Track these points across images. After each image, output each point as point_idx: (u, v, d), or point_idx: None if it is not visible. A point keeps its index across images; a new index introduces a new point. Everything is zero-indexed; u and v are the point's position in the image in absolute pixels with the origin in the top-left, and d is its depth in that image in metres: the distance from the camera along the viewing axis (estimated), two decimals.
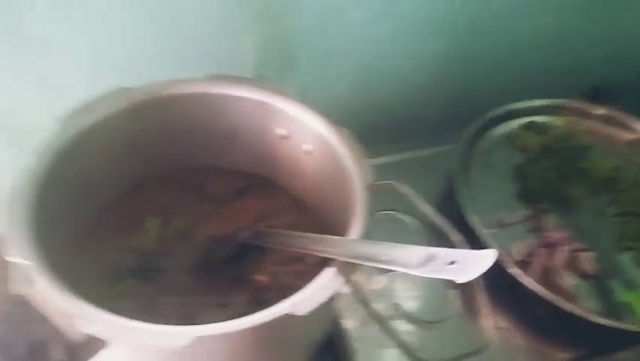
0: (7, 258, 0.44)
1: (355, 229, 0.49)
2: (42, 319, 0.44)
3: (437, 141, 0.87)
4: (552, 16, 0.89)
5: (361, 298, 0.67)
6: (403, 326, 0.65)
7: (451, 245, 0.71)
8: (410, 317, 0.66)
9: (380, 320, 0.65)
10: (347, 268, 0.46)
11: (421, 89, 0.91)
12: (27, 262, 0.44)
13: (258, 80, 0.60)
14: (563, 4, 0.88)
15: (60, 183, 0.51)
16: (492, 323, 0.66)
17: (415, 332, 0.65)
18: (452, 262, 0.39)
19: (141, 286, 0.56)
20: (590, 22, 0.92)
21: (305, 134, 0.59)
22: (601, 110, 0.89)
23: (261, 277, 0.58)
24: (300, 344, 0.53)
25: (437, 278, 0.59)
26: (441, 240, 0.71)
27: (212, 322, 0.44)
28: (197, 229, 0.61)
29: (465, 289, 0.69)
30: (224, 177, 0.65)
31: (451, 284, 0.70)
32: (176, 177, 0.63)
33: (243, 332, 0.42)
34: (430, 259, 0.41)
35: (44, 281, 0.43)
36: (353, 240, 0.48)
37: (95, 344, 0.44)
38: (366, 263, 0.45)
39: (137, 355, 0.45)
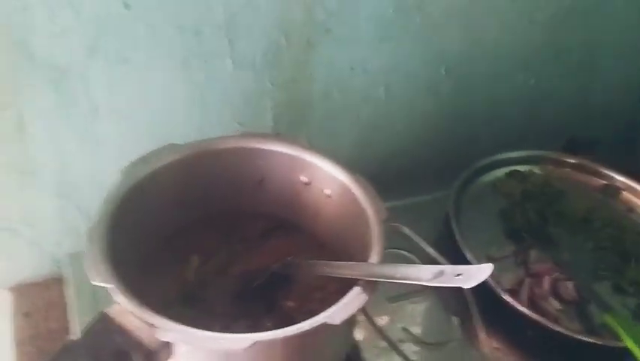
0: (93, 282, 0.53)
1: (374, 255, 0.59)
2: (122, 332, 0.52)
3: (431, 188, 0.98)
4: (532, 78, 1.02)
5: (374, 325, 0.76)
6: (411, 348, 0.75)
7: None
8: (417, 340, 0.75)
9: (391, 343, 0.74)
10: (370, 286, 0.56)
11: (414, 143, 1.03)
12: (108, 284, 0.53)
13: (284, 136, 0.72)
14: (542, 68, 1.02)
15: (124, 220, 0.61)
16: (487, 344, 0.76)
17: (422, 353, 0.74)
18: (458, 275, 0.49)
19: (187, 312, 0.65)
20: (566, 83, 1.06)
21: (325, 180, 0.70)
22: (574, 160, 1.01)
23: (290, 303, 0.67)
24: (328, 353, 0.62)
25: (439, 306, 0.69)
26: None
27: None
28: (231, 265, 0.71)
29: (463, 315, 0.79)
30: (254, 221, 0.74)
31: (451, 311, 0.79)
32: (214, 220, 0.73)
33: (289, 338, 0.51)
34: (439, 274, 0.51)
35: (125, 300, 0.52)
36: (374, 263, 0.58)
37: (165, 352, 0.53)
38: (386, 280, 0.55)
39: (198, 358, 0.54)
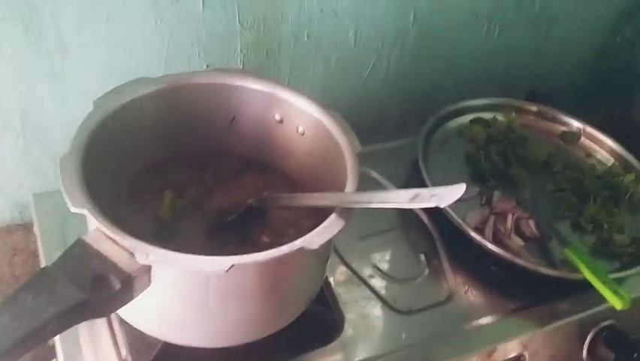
0: (71, 208, 0.53)
1: (350, 185, 0.60)
2: (99, 257, 0.52)
3: (396, 135, 1.00)
4: (496, 28, 1.04)
5: (345, 262, 0.78)
6: (380, 283, 0.77)
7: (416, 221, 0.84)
8: (386, 276, 0.77)
9: (361, 279, 0.76)
10: (346, 213, 0.56)
11: (380, 89, 1.04)
12: (86, 210, 0.53)
13: (257, 73, 0.72)
14: (504, 17, 1.04)
15: (97, 152, 0.60)
16: (453, 279, 0.79)
17: (390, 288, 0.76)
18: (433, 196, 0.51)
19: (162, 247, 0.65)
20: (527, 34, 1.08)
21: (299, 117, 0.70)
22: (535, 108, 1.04)
23: (264, 239, 0.68)
24: (305, 283, 0.64)
25: (407, 244, 0.74)
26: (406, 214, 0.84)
27: None
28: (205, 201, 0.71)
29: (430, 252, 0.81)
30: (226, 159, 0.74)
31: (418, 249, 0.82)
32: (186, 158, 0.73)
33: (268, 262, 0.52)
34: (415, 196, 0.52)
35: (104, 224, 0.52)
36: (350, 192, 0.59)
37: (144, 277, 0.53)
38: (364, 206, 0.56)
39: (178, 284, 0.55)
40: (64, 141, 0.81)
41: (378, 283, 0.77)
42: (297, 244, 0.53)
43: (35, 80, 0.77)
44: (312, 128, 0.70)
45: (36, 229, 0.77)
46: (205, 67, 0.86)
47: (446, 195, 0.49)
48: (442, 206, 0.48)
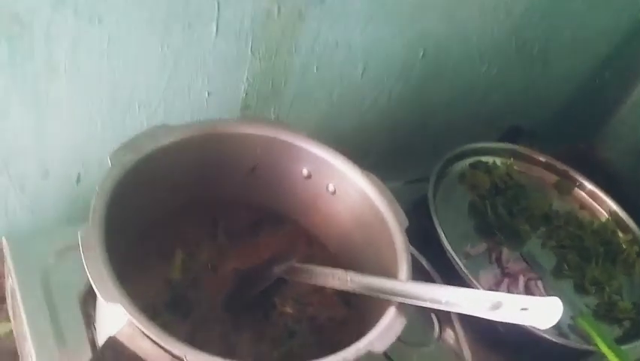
0: (107, 302, 0.44)
1: (402, 271, 0.55)
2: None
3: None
4: (495, 68, 1.01)
5: None
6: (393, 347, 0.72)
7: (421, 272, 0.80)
8: (399, 340, 0.73)
9: None
10: (404, 306, 0.52)
11: (375, 122, 0.99)
12: (124, 305, 0.45)
13: (286, 123, 0.65)
14: (505, 58, 1.01)
15: (114, 220, 0.52)
16: (466, 345, 0.75)
17: (405, 353, 0.72)
18: (523, 310, 0.46)
19: (178, 322, 0.58)
20: (522, 74, 1.06)
21: (330, 175, 0.64)
22: (533, 155, 1.01)
23: (288, 309, 0.62)
24: None
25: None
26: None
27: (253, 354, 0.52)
28: (220, 261, 0.64)
29: (442, 314, 0.77)
30: (241, 211, 0.68)
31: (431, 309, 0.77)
32: (197, 208, 0.65)
33: None
34: (497, 306, 0.47)
35: (145, 325, 0.44)
36: (410, 282, 0.53)
37: None
38: (428, 306, 0.51)
39: None
40: (35, 169, 0.74)
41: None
42: (362, 348, 0.48)
43: (13, 99, 0.66)
44: (345, 189, 0.64)
45: (13, 282, 0.66)
46: (206, 95, 0.78)
47: (541, 313, 0.44)
48: (541, 328, 0.44)
